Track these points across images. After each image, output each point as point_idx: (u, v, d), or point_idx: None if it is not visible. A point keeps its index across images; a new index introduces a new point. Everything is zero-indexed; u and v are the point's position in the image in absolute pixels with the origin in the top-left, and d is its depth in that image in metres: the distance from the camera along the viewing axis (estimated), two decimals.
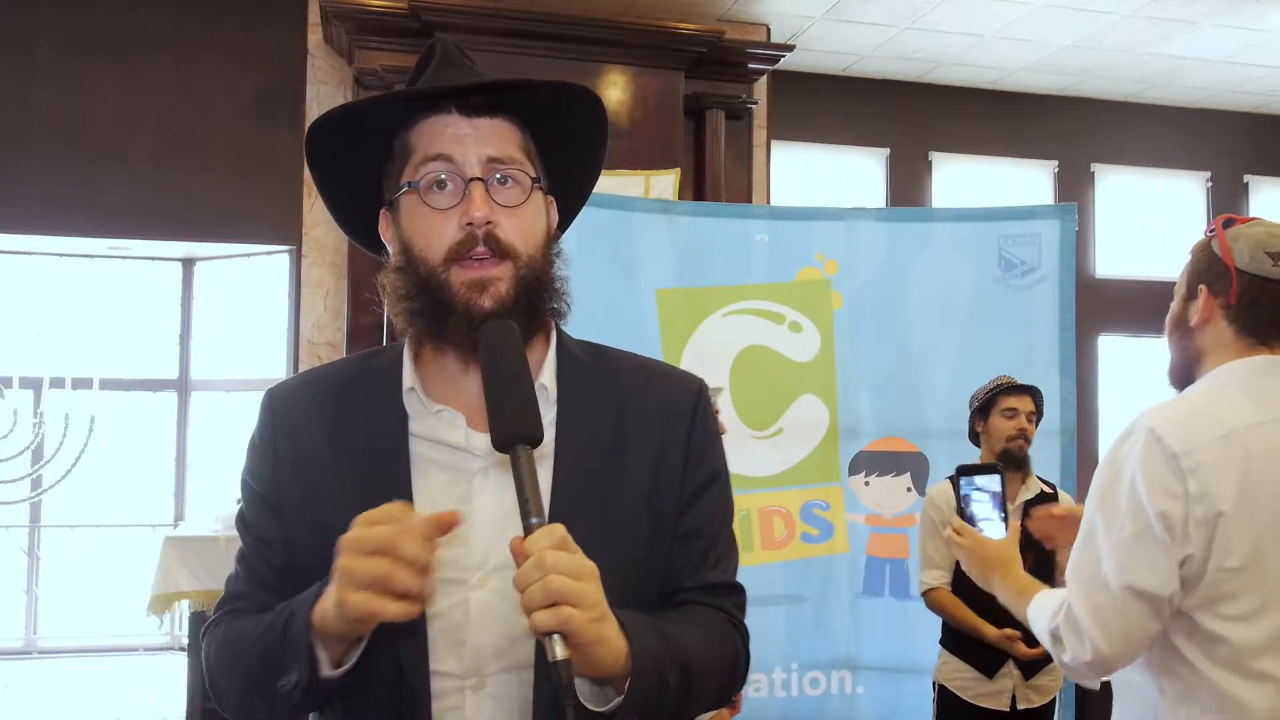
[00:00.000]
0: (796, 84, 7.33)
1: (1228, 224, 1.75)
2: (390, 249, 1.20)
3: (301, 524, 1.15)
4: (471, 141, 1.14)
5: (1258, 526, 1.55)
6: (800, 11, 6.64)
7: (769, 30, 6.88)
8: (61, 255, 6.70)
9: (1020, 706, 3.27)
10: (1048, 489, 3.42)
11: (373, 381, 1.20)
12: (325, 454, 1.16)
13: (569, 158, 1.25)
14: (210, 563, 4.48)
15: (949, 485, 3.43)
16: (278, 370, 6.62)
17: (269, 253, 6.61)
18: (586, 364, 1.24)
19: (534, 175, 1.17)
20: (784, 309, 4.02)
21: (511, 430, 1.00)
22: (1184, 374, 1.77)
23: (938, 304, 3.99)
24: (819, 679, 3.94)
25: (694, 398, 1.25)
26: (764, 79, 6.85)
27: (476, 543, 1.13)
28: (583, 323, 4.31)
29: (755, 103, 6.70)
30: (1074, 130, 8.13)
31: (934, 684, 3.45)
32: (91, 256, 6.77)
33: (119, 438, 6.55)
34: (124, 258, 6.82)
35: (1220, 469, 1.55)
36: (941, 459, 3.84)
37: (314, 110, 6.45)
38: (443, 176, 1.13)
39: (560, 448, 1.17)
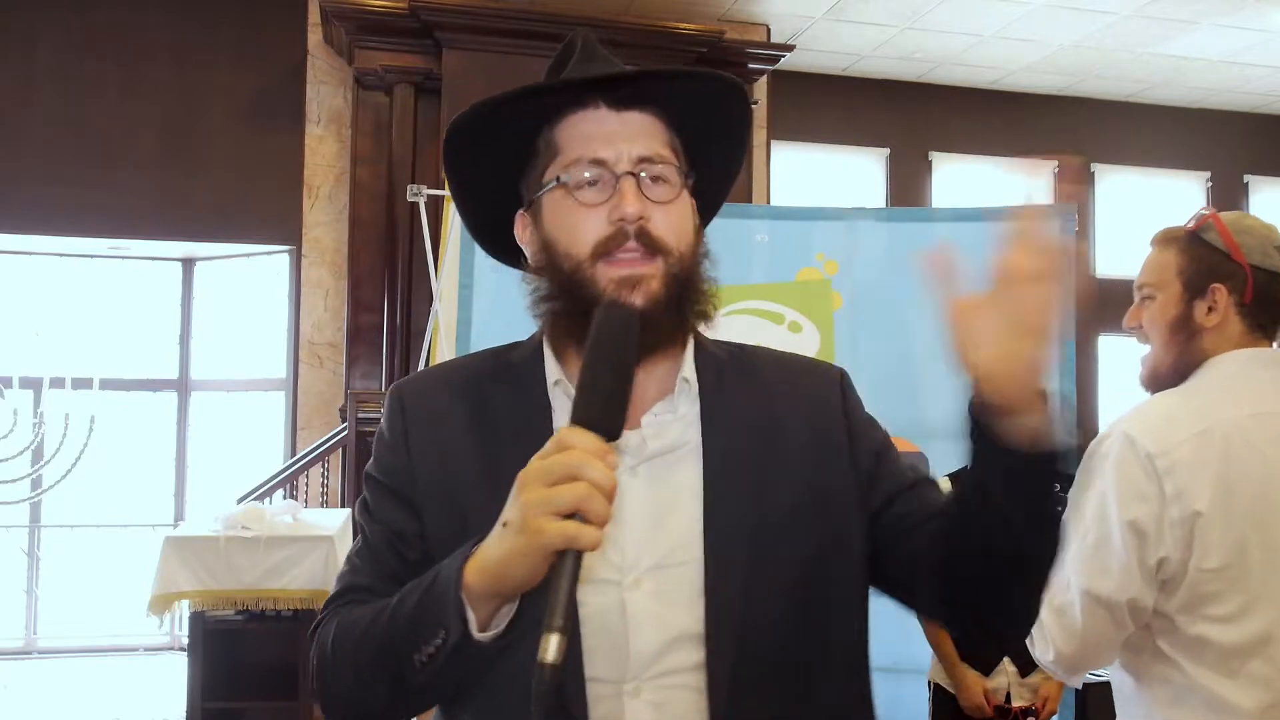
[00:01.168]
0: (796, 84, 7.34)
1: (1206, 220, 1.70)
2: (528, 251, 1.17)
3: (442, 517, 1.11)
4: (621, 138, 1.11)
5: (1237, 524, 1.53)
6: (800, 11, 6.64)
7: (769, 30, 6.89)
8: (61, 255, 6.70)
9: (1015, 704, 3.29)
10: None
11: (514, 374, 1.17)
12: (467, 446, 1.13)
13: (708, 154, 1.21)
14: (210, 563, 4.47)
15: (948, 483, 3.45)
16: (278, 370, 6.62)
17: (269, 253, 6.61)
18: (725, 360, 1.21)
19: (685, 171, 1.14)
20: (784, 309, 4.02)
21: (580, 416, 0.94)
22: (1180, 377, 1.69)
23: (938, 304, 3.99)
24: None
25: (839, 382, 1.24)
26: (764, 79, 6.86)
27: (628, 543, 1.09)
28: None
29: (755, 103, 6.71)
30: (1074, 130, 8.13)
31: (929, 683, 3.46)
32: (91, 256, 6.78)
33: (119, 438, 6.55)
34: (124, 258, 6.83)
35: (1196, 467, 1.53)
36: (941, 459, 3.84)
37: (314, 110, 6.45)
38: (592, 174, 1.10)
39: (708, 444, 1.13)
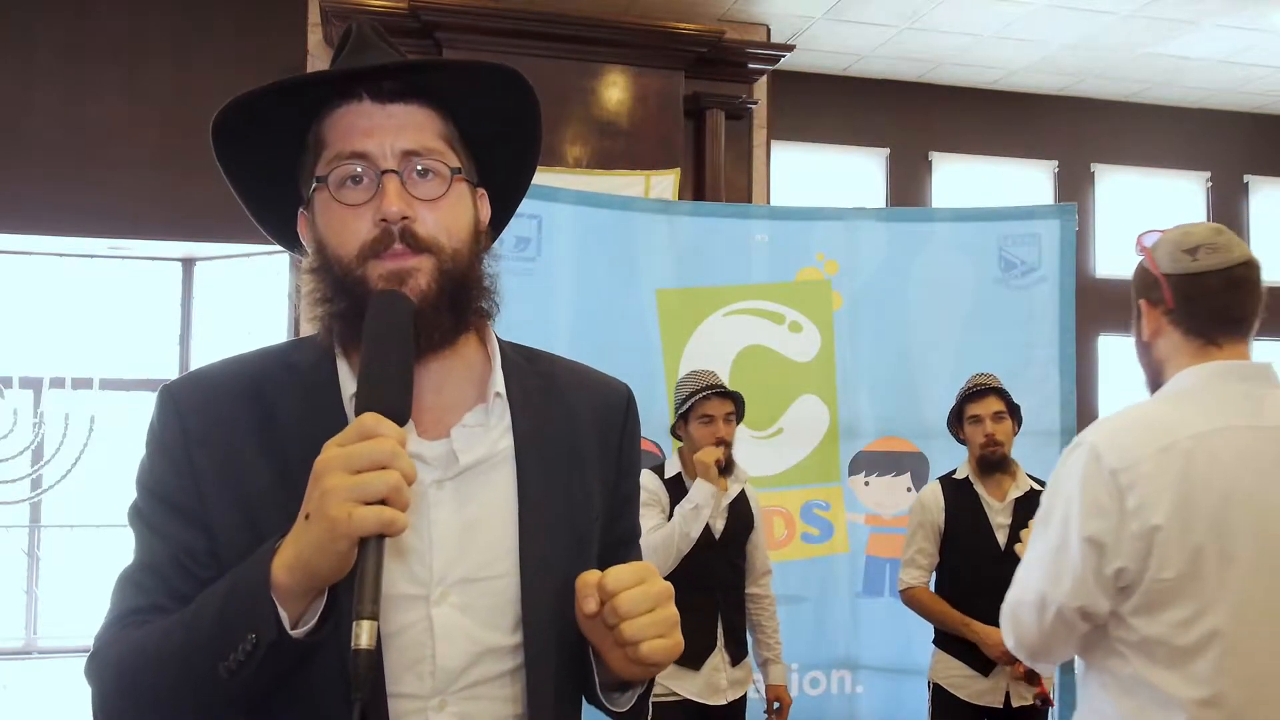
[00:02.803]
0: (796, 84, 7.33)
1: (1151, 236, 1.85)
2: (308, 250, 1.12)
3: (236, 533, 1.04)
4: (385, 132, 1.06)
5: (1195, 536, 1.60)
6: (800, 11, 6.64)
7: (769, 30, 6.88)
8: (61, 255, 6.70)
9: (1015, 704, 3.29)
10: (1038, 486, 3.42)
11: (301, 381, 1.11)
12: (255, 457, 1.07)
13: (498, 145, 1.17)
14: None
15: (939, 486, 3.45)
16: None
17: (269, 253, 6.60)
18: (527, 369, 1.19)
19: (455, 166, 1.10)
20: (784, 309, 4.02)
21: (372, 402, 0.94)
22: (1155, 389, 1.84)
23: (938, 304, 4.00)
24: (819, 679, 3.95)
25: (625, 404, 1.24)
26: (764, 79, 6.85)
27: (435, 557, 1.07)
28: (583, 323, 4.31)
29: (755, 103, 6.70)
30: (1074, 130, 8.13)
31: (929, 683, 3.46)
32: (91, 256, 6.77)
33: (119, 438, 6.55)
34: (124, 258, 6.82)
35: (1158, 482, 1.61)
36: (941, 459, 3.84)
37: None
38: (357, 170, 1.06)
39: (521, 456, 1.13)
